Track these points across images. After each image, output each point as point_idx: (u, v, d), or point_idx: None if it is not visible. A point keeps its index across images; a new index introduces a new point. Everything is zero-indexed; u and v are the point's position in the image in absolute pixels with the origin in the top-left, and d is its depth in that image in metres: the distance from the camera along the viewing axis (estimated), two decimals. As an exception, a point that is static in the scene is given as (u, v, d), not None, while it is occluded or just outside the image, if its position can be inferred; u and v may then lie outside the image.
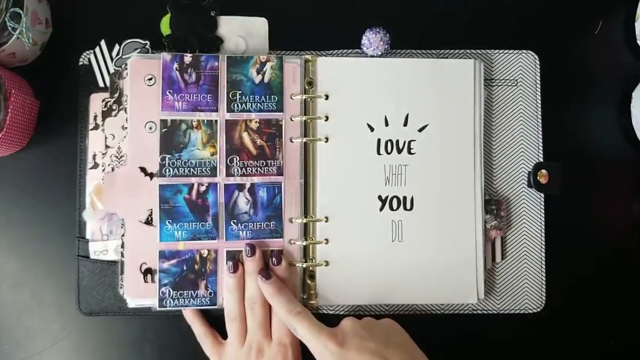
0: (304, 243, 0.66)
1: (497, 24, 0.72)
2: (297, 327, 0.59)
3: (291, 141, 0.67)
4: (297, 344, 0.63)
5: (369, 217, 0.67)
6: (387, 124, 0.67)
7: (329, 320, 0.67)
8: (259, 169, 0.66)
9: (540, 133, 0.70)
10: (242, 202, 0.66)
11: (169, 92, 0.65)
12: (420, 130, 0.67)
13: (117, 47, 0.69)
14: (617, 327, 0.70)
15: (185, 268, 0.65)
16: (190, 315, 0.66)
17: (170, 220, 0.65)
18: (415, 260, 0.67)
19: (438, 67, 0.68)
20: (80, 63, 0.69)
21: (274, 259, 0.64)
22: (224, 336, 0.65)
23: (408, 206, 0.67)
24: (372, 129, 0.67)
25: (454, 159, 0.67)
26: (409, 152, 0.68)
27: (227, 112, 0.66)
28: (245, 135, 0.66)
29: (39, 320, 0.68)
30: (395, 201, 0.67)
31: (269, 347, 0.62)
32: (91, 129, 0.68)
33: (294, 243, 0.66)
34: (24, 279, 0.68)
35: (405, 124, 0.68)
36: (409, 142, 0.68)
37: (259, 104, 0.66)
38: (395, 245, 0.67)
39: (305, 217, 0.66)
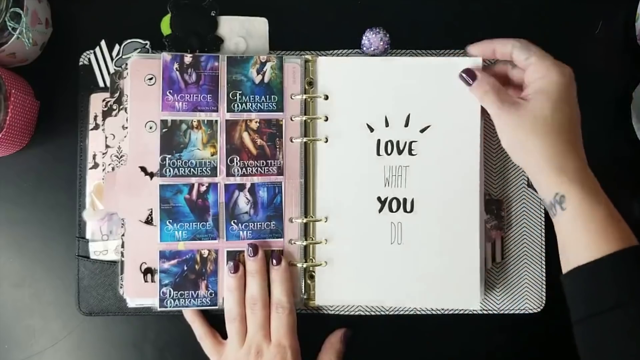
0: (304, 243, 0.66)
1: (497, 24, 0.72)
2: None
3: (291, 141, 0.67)
4: (296, 346, 0.63)
5: (367, 219, 0.67)
6: (387, 125, 0.67)
7: (329, 320, 0.68)
8: (259, 168, 0.66)
9: (540, 133, 0.70)
10: (243, 202, 0.66)
11: (169, 92, 0.65)
12: (422, 131, 0.67)
13: (117, 47, 0.69)
14: (617, 327, 0.70)
15: (185, 268, 0.65)
16: (190, 315, 0.66)
17: (171, 220, 0.65)
18: (414, 263, 0.66)
19: (440, 67, 0.67)
20: (80, 63, 0.69)
21: (273, 259, 0.65)
22: (224, 336, 0.65)
23: (408, 208, 0.67)
24: (372, 130, 0.67)
25: (455, 160, 0.67)
26: (410, 154, 0.67)
27: (227, 112, 0.66)
28: (245, 135, 0.66)
29: (39, 320, 0.68)
30: (395, 203, 0.67)
31: (268, 349, 0.62)
32: (91, 129, 0.68)
33: (294, 243, 0.66)
34: (24, 279, 0.68)
35: (406, 125, 0.67)
36: (410, 143, 0.67)
37: (259, 104, 0.66)
38: (394, 248, 0.66)
39: (306, 217, 0.66)
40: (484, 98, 0.62)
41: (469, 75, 0.63)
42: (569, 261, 0.55)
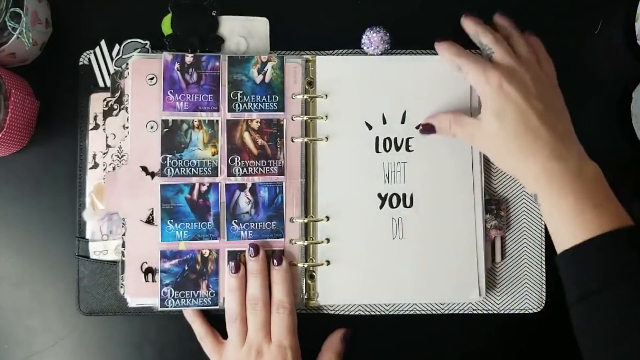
0: (305, 243, 0.66)
1: (497, 24, 0.72)
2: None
3: (292, 141, 0.67)
4: (297, 346, 0.63)
5: (369, 215, 0.67)
6: (385, 122, 0.68)
7: (329, 320, 0.68)
8: (260, 168, 0.66)
9: (541, 133, 0.70)
10: (244, 202, 0.66)
11: (170, 92, 0.65)
12: (418, 127, 0.68)
13: (117, 47, 0.69)
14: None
15: (186, 268, 0.65)
16: (191, 315, 0.66)
17: (172, 220, 0.65)
18: (416, 257, 0.67)
19: (437, 65, 0.68)
20: (80, 63, 0.69)
21: (274, 259, 0.65)
22: (225, 336, 0.65)
23: (408, 203, 0.67)
24: (370, 127, 0.67)
25: (450, 154, 0.68)
26: (407, 150, 0.68)
27: (228, 112, 0.66)
28: (246, 135, 0.66)
29: (39, 320, 0.68)
30: (395, 198, 0.67)
31: (269, 349, 0.62)
32: (91, 129, 0.68)
33: (295, 243, 0.66)
34: (24, 278, 0.68)
35: (402, 122, 0.68)
36: (407, 140, 0.68)
37: (260, 104, 0.66)
38: (396, 243, 0.67)
39: (306, 217, 0.66)
40: (451, 130, 0.65)
41: (427, 129, 0.67)
42: (557, 246, 0.59)
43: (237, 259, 0.65)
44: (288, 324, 0.63)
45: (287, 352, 0.62)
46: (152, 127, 0.65)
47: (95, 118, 0.68)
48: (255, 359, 0.62)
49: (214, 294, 0.65)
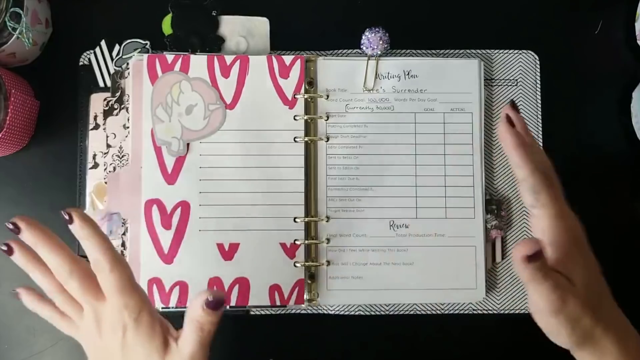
0: (306, 242, 0.66)
1: (497, 24, 0.72)
2: None
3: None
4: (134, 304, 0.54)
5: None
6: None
7: (330, 320, 0.68)
8: (260, 168, 0.66)
9: (540, 133, 0.70)
10: (244, 201, 0.66)
11: (171, 91, 0.66)
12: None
13: (117, 47, 0.69)
14: (617, 326, 0.70)
15: (186, 268, 0.65)
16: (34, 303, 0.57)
17: (172, 220, 0.65)
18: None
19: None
20: (81, 63, 0.69)
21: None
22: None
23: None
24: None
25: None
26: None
27: (229, 111, 0.66)
28: (246, 135, 0.66)
29: (39, 320, 0.68)
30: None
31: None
32: (91, 129, 0.68)
33: (298, 242, 0.66)
34: (24, 278, 0.68)
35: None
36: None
37: (260, 104, 0.66)
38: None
39: (307, 217, 0.66)
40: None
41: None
42: None
43: None
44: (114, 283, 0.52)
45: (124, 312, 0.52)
46: (152, 127, 0.65)
47: (95, 118, 0.68)
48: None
49: (215, 294, 0.65)
